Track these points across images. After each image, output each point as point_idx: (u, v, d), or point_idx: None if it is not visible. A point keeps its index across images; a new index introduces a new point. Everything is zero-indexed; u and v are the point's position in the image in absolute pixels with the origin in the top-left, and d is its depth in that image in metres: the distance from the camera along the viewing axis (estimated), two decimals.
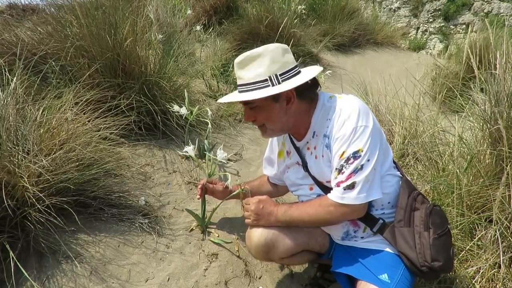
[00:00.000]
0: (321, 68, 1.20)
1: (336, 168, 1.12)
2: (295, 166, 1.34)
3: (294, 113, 1.20)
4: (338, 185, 1.12)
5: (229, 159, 2.28)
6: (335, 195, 1.13)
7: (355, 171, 1.08)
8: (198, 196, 1.59)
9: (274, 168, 1.51)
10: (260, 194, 1.43)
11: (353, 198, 1.10)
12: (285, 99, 1.17)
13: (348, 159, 1.09)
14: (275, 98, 1.15)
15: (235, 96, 1.21)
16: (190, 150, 1.52)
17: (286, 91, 1.13)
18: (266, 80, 1.12)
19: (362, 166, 1.08)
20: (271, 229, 1.26)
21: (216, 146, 2.28)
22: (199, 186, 1.59)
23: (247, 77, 1.14)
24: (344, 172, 1.10)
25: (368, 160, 1.08)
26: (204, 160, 1.96)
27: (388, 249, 1.20)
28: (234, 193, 1.54)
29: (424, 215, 1.15)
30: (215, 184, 1.61)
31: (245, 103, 1.20)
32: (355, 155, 1.08)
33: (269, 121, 1.20)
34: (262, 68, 1.12)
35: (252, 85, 1.13)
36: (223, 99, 1.25)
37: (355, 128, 1.08)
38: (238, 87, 1.19)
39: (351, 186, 1.09)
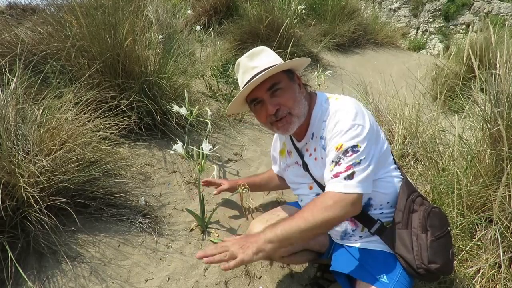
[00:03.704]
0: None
1: (332, 161, 1.09)
2: (294, 165, 1.36)
3: (305, 100, 1.22)
4: (336, 175, 1.07)
5: (229, 159, 2.28)
6: (334, 185, 1.07)
7: (354, 164, 1.06)
8: (216, 192, 1.74)
9: (277, 165, 1.58)
10: (269, 189, 1.79)
11: (354, 185, 1.05)
12: (297, 82, 1.22)
13: (346, 151, 1.07)
14: (291, 78, 1.21)
15: (261, 76, 1.12)
16: (179, 147, 1.52)
17: (295, 76, 1.23)
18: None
19: (360, 161, 1.07)
20: None
21: (217, 146, 2.28)
22: (203, 182, 1.77)
23: (262, 63, 1.17)
24: (341, 163, 1.07)
25: (365, 157, 1.08)
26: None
27: (387, 250, 1.20)
28: (234, 193, 1.61)
29: (422, 217, 1.14)
30: (216, 184, 1.75)
31: (270, 87, 1.16)
32: (354, 149, 1.07)
33: (295, 102, 1.17)
34: (272, 56, 1.22)
35: (270, 69, 1.13)
36: (245, 87, 1.16)
37: (352, 125, 1.08)
38: (254, 77, 1.16)
39: (351, 176, 1.06)
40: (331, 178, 1.09)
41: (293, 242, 1.07)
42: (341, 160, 1.08)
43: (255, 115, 1.26)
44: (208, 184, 1.79)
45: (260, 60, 1.19)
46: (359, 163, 1.07)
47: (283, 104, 1.16)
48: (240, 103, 1.27)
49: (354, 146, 1.07)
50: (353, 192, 1.05)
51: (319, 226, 1.04)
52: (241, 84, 1.23)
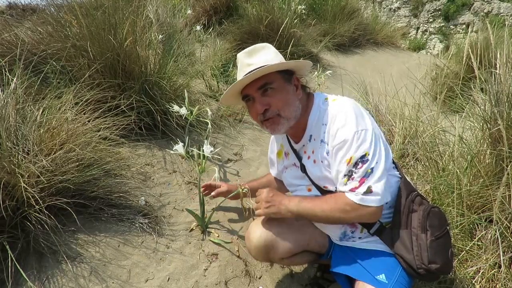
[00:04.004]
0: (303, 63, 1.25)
1: (344, 174, 1.10)
2: (292, 167, 1.35)
3: (300, 102, 1.21)
4: (352, 190, 1.09)
5: (229, 159, 2.29)
6: (353, 197, 1.09)
7: (367, 175, 1.07)
8: (214, 194, 1.69)
9: (275, 167, 1.55)
10: None
11: (372, 200, 1.07)
12: (293, 84, 1.21)
13: (356, 163, 1.07)
14: (287, 79, 1.19)
15: (251, 75, 1.12)
16: (180, 147, 1.52)
17: (293, 78, 1.21)
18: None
19: (372, 169, 1.07)
20: (270, 230, 1.25)
21: (217, 146, 2.28)
22: (203, 188, 1.71)
23: (259, 61, 1.16)
24: (354, 177, 1.08)
25: (377, 162, 1.07)
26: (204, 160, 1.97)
27: (385, 250, 1.20)
28: (234, 193, 1.57)
29: (422, 217, 1.14)
30: (217, 187, 1.70)
31: (261, 86, 1.16)
32: (363, 159, 1.07)
33: (286, 104, 1.16)
34: (271, 55, 1.20)
35: (260, 69, 1.13)
36: (234, 84, 1.17)
37: (356, 132, 1.08)
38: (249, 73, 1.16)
39: (368, 192, 1.07)
40: (348, 191, 1.10)
41: (307, 219, 1.26)
42: (353, 173, 1.08)
43: (247, 110, 1.28)
44: (209, 189, 1.72)
45: (258, 58, 1.18)
46: (371, 172, 1.07)
47: (272, 105, 1.16)
48: (235, 97, 1.27)
49: (363, 156, 1.07)
50: (371, 205, 1.08)
51: (333, 221, 1.19)
52: (238, 78, 1.24)
